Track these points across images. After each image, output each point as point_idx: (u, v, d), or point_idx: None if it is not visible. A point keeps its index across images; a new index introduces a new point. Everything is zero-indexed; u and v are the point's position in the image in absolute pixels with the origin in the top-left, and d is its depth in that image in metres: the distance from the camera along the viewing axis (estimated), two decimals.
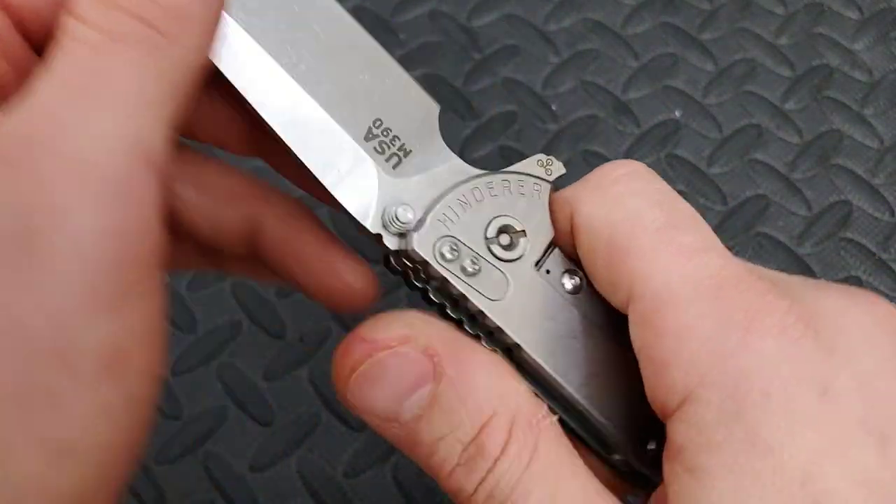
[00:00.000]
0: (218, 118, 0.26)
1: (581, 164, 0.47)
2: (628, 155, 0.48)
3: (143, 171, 0.19)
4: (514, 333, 0.23)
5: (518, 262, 0.24)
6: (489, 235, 0.24)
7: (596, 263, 0.23)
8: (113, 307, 0.18)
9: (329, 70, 0.24)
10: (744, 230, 0.45)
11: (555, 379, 0.23)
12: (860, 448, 0.19)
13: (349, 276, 0.26)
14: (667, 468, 0.20)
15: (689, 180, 0.47)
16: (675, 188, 0.44)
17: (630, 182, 0.23)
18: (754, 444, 0.19)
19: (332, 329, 0.43)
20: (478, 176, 0.25)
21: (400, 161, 0.25)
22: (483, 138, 0.48)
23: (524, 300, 0.24)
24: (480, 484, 0.21)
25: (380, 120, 0.25)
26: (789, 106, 0.50)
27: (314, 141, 0.24)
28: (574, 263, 0.25)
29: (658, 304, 0.21)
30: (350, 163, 0.24)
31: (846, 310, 0.21)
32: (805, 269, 0.45)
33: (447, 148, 0.25)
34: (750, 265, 0.24)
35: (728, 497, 0.19)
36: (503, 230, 0.24)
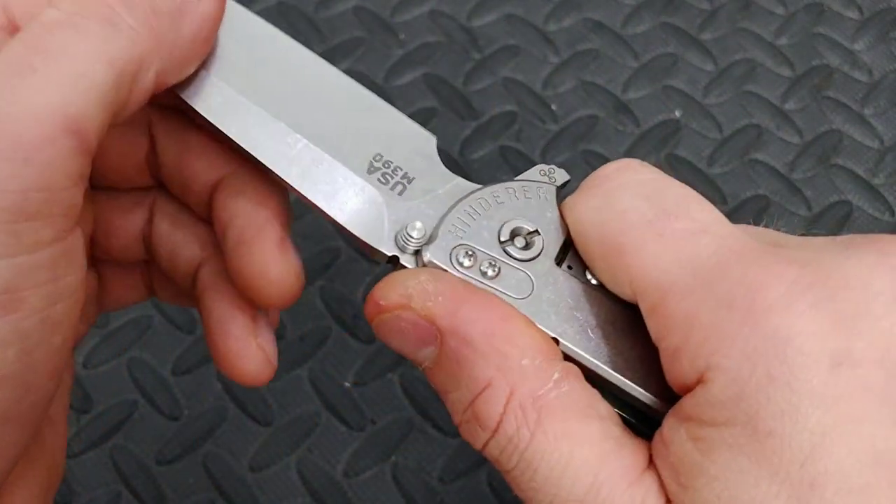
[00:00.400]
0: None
1: (581, 164, 0.47)
2: (628, 155, 0.48)
3: (62, 141, 0.20)
4: (548, 327, 0.23)
5: (537, 260, 0.24)
6: (503, 239, 0.24)
7: (595, 264, 0.23)
8: (6, 252, 0.19)
9: (326, 116, 0.26)
10: None
11: (598, 366, 0.23)
12: (874, 423, 0.18)
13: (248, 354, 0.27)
14: (671, 423, 0.21)
15: (689, 180, 0.47)
16: None
17: (617, 177, 0.23)
18: (756, 427, 0.18)
19: (332, 329, 0.43)
20: (481, 188, 0.25)
21: (405, 188, 0.25)
22: (483, 138, 0.48)
23: (551, 294, 0.24)
24: (484, 448, 0.22)
25: (380, 154, 0.26)
26: (789, 106, 0.50)
27: (322, 183, 0.25)
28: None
29: (660, 297, 0.21)
30: (357, 195, 0.25)
31: (873, 269, 0.19)
32: None
33: (450, 172, 0.26)
34: (760, 230, 0.23)
35: (727, 474, 0.19)
36: (516, 232, 0.24)
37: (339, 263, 0.44)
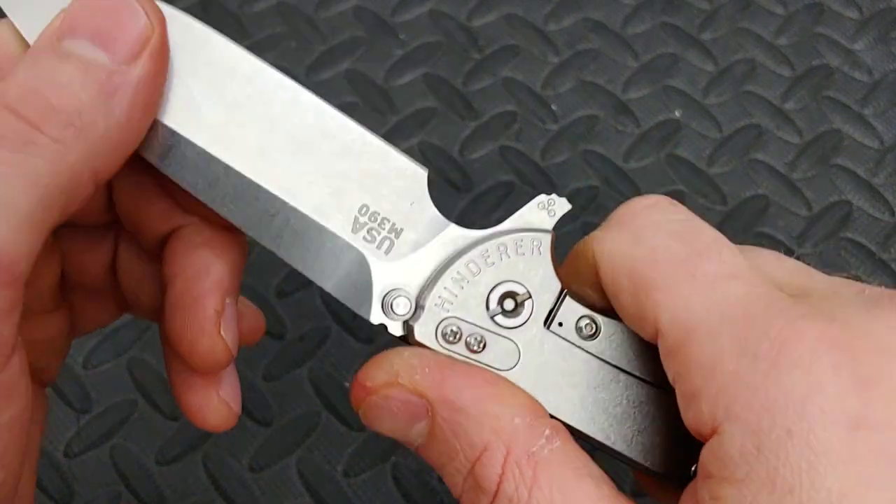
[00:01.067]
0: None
1: (581, 164, 0.47)
2: (628, 155, 0.48)
3: None
4: (536, 395, 0.23)
5: (526, 325, 0.24)
6: (491, 307, 0.24)
7: (620, 298, 0.23)
8: None
9: (306, 168, 0.24)
10: (744, 230, 0.45)
11: (586, 434, 0.23)
12: (889, 487, 0.18)
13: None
14: (698, 485, 0.20)
15: (689, 180, 0.47)
16: (674, 188, 0.44)
17: (650, 214, 0.23)
18: (774, 483, 0.18)
19: (331, 329, 0.43)
20: (474, 244, 0.24)
21: (392, 244, 0.24)
22: (483, 138, 0.48)
23: (539, 363, 0.23)
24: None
25: (366, 206, 0.24)
26: (789, 106, 0.50)
27: (304, 248, 0.24)
28: (588, 307, 0.24)
29: (684, 337, 0.21)
30: (343, 259, 0.24)
31: None
32: None
33: (439, 214, 0.25)
34: (788, 266, 0.23)
35: None
36: (506, 297, 0.24)
37: None
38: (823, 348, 0.19)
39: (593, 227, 0.46)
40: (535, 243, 0.24)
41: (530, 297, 0.24)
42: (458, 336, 0.23)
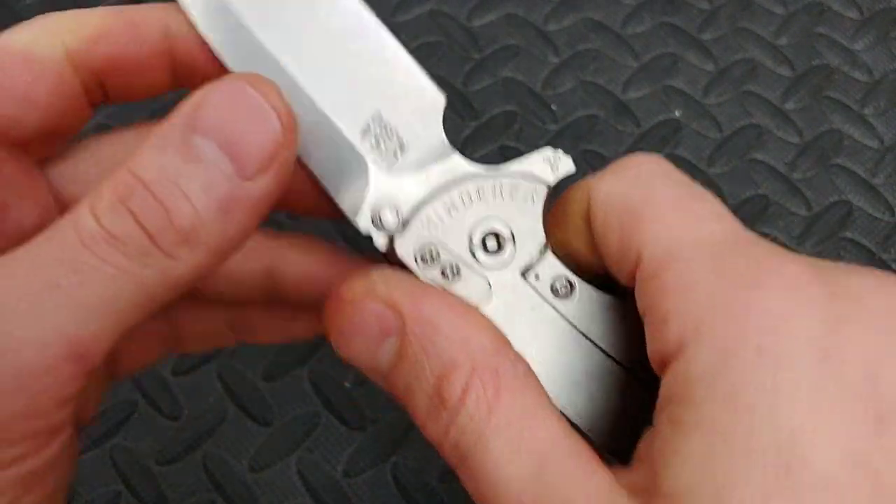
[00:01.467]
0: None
1: (581, 164, 0.47)
2: (628, 154, 0.48)
3: (65, 369, 0.19)
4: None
5: (504, 269, 0.24)
6: (474, 241, 0.24)
7: (608, 237, 0.23)
8: None
9: (332, 63, 0.24)
10: None
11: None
12: (852, 424, 0.18)
13: None
14: (655, 418, 0.20)
15: None
16: None
17: (649, 164, 0.23)
18: (735, 402, 0.18)
19: None
20: (473, 177, 0.24)
21: (396, 158, 0.24)
22: (483, 138, 0.48)
23: (508, 308, 0.23)
24: (445, 435, 0.21)
25: (380, 114, 0.24)
26: (789, 106, 0.50)
27: (312, 140, 0.24)
28: (568, 269, 0.24)
29: (666, 261, 0.20)
30: (345, 161, 0.24)
31: (873, 288, 0.20)
32: None
33: (447, 143, 0.25)
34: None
35: (698, 456, 0.18)
36: (489, 235, 0.24)
37: None
38: (803, 281, 0.19)
39: None
40: (530, 192, 0.24)
41: (514, 241, 0.24)
42: (435, 260, 0.23)
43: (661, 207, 0.22)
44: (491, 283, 0.23)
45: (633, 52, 0.51)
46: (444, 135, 0.25)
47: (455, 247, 0.24)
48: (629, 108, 0.49)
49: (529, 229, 0.24)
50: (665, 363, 0.20)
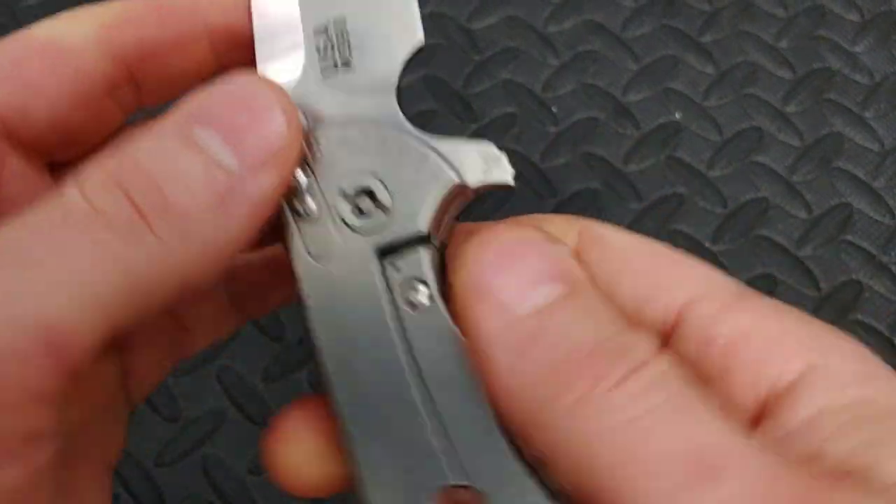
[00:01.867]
0: None
1: (581, 166, 0.47)
2: (629, 157, 0.48)
3: (40, 359, 0.17)
4: (312, 310, 0.20)
5: (361, 235, 0.20)
6: (347, 191, 0.21)
7: (623, 283, 0.21)
8: None
9: None
10: (744, 233, 0.45)
11: (333, 395, 0.20)
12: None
13: None
14: None
15: (689, 183, 0.47)
16: (674, 191, 0.44)
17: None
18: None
19: None
20: (389, 126, 0.21)
21: (335, 70, 0.22)
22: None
23: (342, 281, 0.20)
24: (618, 386, 0.18)
25: (344, 20, 0.22)
26: (790, 108, 0.49)
27: (270, 17, 0.23)
28: (441, 278, 0.21)
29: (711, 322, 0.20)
30: (284, 46, 0.22)
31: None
32: (805, 272, 0.44)
33: (394, 90, 0.22)
34: None
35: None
36: (364, 192, 0.21)
37: None
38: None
39: None
40: (437, 176, 0.21)
41: (386, 212, 0.20)
42: (297, 188, 0.20)
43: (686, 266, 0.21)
44: (340, 244, 0.20)
45: (633, 54, 0.51)
46: (397, 77, 0.22)
47: (325, 187, 0.21)
48: (629, 111, 0.49)
49: (416, 212, 0.20)
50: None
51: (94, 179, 0.19)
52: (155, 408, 0.41)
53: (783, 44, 0.52)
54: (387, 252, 0.20)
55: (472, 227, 0.22)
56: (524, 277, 0.19)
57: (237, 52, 0.24)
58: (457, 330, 0.19)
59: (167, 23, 0.23)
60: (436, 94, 0.50)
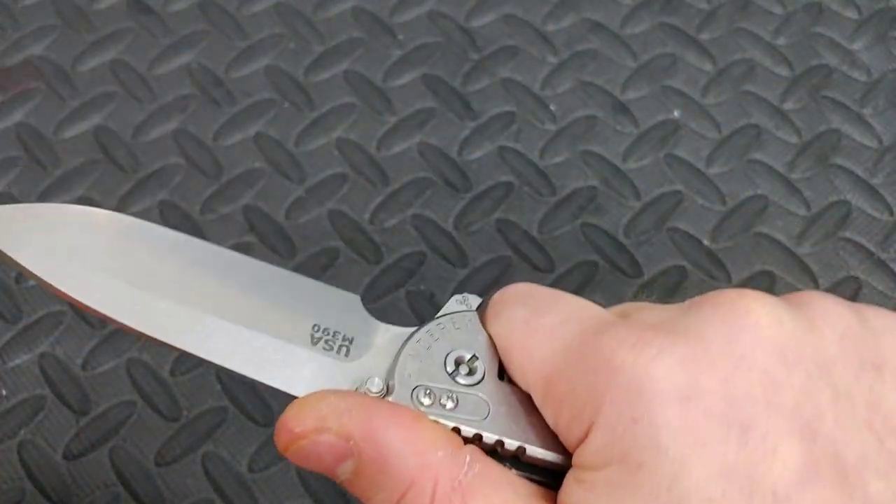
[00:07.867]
0: None
1: (580, 164, 0.47)
2: (627, 155, 0.48)
3: None
4: (515, 438, 0.25)
5: (484, 381, 0.26)
6: (450, 371, 0.26)
7: (509, 373, 0.26)
8: None
9: (256, 301, 0.28)
10: (743, 230, 0.45)
11: (550, 460, 0.25)
12: (721, 442, 0.21)
13: None
14: (564, 485, 0.23)
15: (687, 180, 0.47)
16: (673, 188, 0.44)
17: (504, 296, 0.26)
18: (629, 464, 0.21)
19: None
20: (417, 331, 0.27)
21: (349, 350, 0.27)
22: (481, 139, 0.48)
23: (506, 408, 0.25)
24: None
25: (317, 324, 0.27)
26: (788, 106, 0.50)
27: (272, 366, 0.27)
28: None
29: (546, 384, 0.24)
30: (309, 368, 0.27)
31: (707, 321, 0.23)
32: (804, 269, 0.45)
33: (380, 323, 0.28)
34: (627, 305, 0.27)
35: (604, 497, 0.21)
36: (459, 361, 0.26)
37: (338, 265, 0.44)
38: (644, 343, 0.22)
39: (592, 227, 0.46)
40: (466, 319, 0.27)
41: (478, 358, 0.26)
42: (432, 398, 0.25)
43: (518, 337, 0.25)
44: (484, 397, 0.26)
45: (631, 52, 0.51)
46: (374, 319, 0.28)
47: (440, 382, 0.26)
48: (628, 109, 0.49)
49: (484, 345, 0.26)
50: (573, 448, 0.23)
51: None
52: (155, 407, 0.41)
53: (781, 41, 0.52)
54: (501, 373, 0.26)
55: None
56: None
57: None
58: None
59: None
60: (435, 92, 0.50)
